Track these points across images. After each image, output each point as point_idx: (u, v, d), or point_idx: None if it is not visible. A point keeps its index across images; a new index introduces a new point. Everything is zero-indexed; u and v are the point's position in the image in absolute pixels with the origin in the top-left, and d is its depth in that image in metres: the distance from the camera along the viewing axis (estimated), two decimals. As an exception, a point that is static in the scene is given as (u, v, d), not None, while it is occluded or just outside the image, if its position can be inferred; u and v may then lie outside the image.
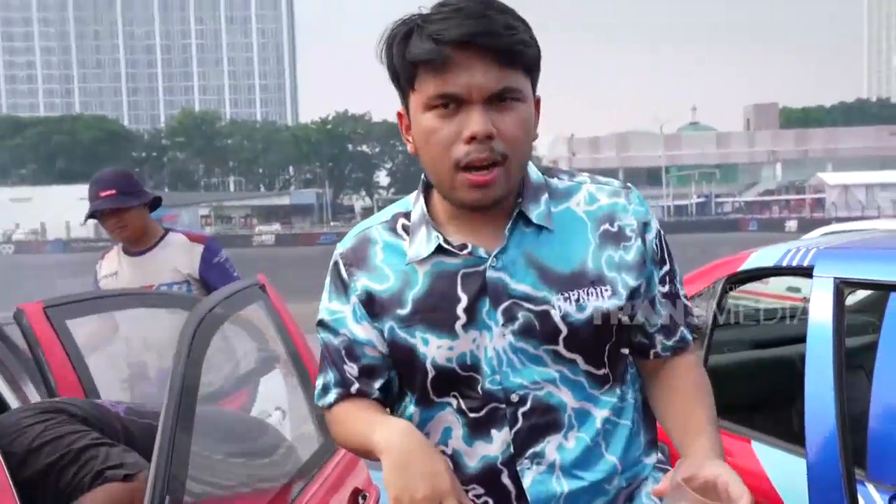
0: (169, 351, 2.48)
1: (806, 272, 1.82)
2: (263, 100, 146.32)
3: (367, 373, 1.21)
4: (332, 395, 1.23)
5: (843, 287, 1.70)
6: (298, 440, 2.05)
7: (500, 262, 1.14)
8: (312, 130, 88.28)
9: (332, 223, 71.71)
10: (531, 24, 1.12)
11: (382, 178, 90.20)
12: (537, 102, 1.16)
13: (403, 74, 1.12)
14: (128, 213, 2.70)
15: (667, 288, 1.22)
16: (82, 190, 3.36)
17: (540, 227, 1.16)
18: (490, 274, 1.13)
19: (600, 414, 1.17)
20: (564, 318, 1.13)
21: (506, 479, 1.16)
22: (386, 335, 1.18)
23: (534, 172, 1.20)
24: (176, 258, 2.73)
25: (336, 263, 1.23)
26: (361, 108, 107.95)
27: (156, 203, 2.81)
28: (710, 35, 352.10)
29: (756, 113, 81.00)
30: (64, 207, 61.03)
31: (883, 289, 1.65)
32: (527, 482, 1.14)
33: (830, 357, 1.64)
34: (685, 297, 1.26)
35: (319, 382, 1.25)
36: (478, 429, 1.16)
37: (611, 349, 1.18)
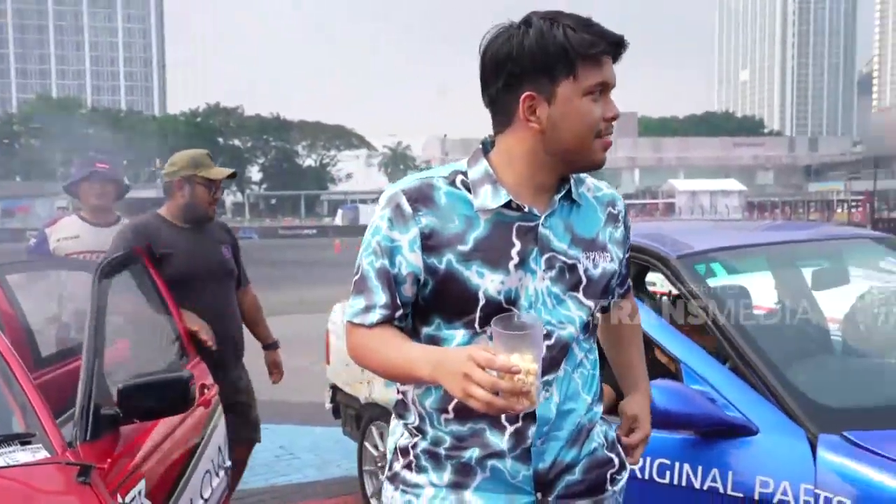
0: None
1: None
2: (128, 88, 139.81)
3: (405, 302, 1.42)
4: (375, 315, 1.40)
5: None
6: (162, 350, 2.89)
7: (548, 223, 1.42)
8: (181, 122, 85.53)
9: (201, 218, 69.67)
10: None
11: (255, 173, 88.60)
12: None
13: (561, 63, 1.34)
14: (111, 186, 3.58)
15: (627, 255, 1.59)
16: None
17: (572, 203, 1.46)
18: (541, 230, 1.41)
19: (580, 355, 1.46)
20: (585, 271, 1.44)
21: None
22: (443, 266, 1.37)
23: None
24: None
25: (397, 197, 1.40)
26: (233, 102, 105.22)
27: (125, 192, 3.73)
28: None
29: (618, 121, 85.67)
30: None
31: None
32: (538, 402, 1.32)
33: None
34: None
35: (360, 302, 1.42)
36: None
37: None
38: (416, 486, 1.44)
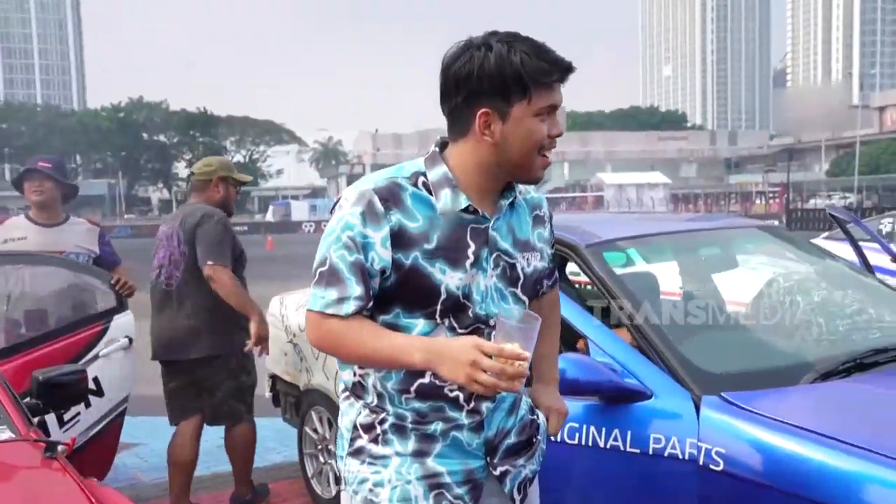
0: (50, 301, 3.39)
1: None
2: (45, 82, 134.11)
3: (373, 294, 1.52)
4: (351, 306, 1.49)
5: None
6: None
7: (495, 225, 1.59)
8: (103, 117, 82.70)
9: (126, 216, 67.93)
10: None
11: (182, 169, 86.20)
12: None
13: (517, 87, 1.47)
14: (50, 183, 3.63)
15: (552, 251, 1.78)
16: None
17: (512, 206, 1.63)
18: (491, 232, 1.58)
19: None
20: (522, 269, 1.62)
21: None
22: (409, 262, 1.51)
23: None
24: (82, 236, 3.71)
25: (370, 195, 1.51)
26: (158, 96, 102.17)
27: (72, 193, 3.80)
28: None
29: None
30: None
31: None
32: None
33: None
34: None
35: (331, 293, 1.50)
36: None
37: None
38: (383, 457, 1.59)
